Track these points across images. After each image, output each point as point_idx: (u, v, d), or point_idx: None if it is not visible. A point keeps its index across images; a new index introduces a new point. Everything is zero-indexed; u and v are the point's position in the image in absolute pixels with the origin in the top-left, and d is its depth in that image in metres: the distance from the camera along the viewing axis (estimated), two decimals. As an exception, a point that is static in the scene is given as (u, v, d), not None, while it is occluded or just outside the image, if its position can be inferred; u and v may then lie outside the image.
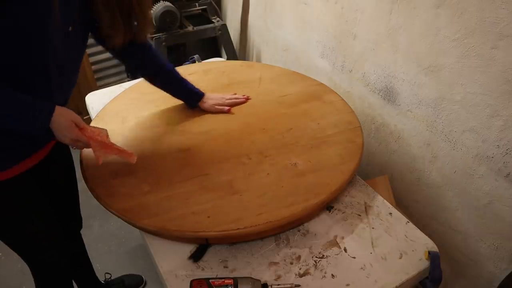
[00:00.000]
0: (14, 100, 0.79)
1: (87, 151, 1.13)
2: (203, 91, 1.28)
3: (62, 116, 0.86)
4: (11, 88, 0.78)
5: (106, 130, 0.97)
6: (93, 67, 2.65)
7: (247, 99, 1.33)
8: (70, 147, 0.97)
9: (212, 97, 1.29)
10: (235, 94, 1.34)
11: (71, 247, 1.36)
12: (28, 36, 0.75)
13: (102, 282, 1.60)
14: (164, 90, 1.25)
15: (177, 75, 1.22)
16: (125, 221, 0.94)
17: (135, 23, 0.95)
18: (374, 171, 1.61)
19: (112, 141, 0.97)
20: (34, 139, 0.96)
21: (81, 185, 1.10)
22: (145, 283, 1.70)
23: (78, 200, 1.31)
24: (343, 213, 1.03)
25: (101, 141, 0.94)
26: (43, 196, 1.07)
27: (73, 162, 1.23)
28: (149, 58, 1.15)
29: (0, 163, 0.90)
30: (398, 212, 1.05)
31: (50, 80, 0.85)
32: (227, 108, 1.27)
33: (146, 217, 0.92)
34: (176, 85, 1.24)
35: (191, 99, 1.28)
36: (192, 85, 1.26)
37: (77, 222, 1.35)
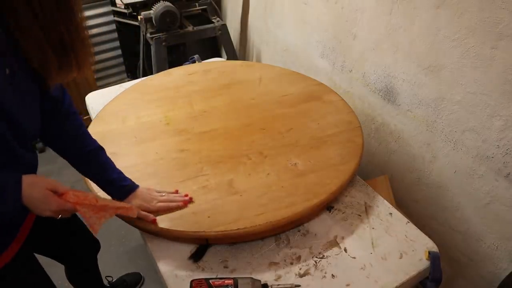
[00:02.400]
0: None
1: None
2: (137, 184, 0.97)
3: (33, 188, 0.71)
4: None
5: (93, 194, 0.83)
6: (93, 67, 2.65)
7: (186, 202, 0.97)
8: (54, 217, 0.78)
9: (140, 196, 0.95)
10: (176, 191, 1.00)
11: (89, 267, 1.33)
12: None
13: (107, 285, 1.61)
14: (83, 174, 0.97)
15: (101, 157, 0.95)
16: (125, 221, 0.94)
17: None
18: (374, 171, 1.61)
19: (104, 200, 0.82)
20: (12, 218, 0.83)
21: (81, 185, 1.10)
22: (144, 280, 1.71)
23: (84, 226, 1.20)
24: (343, 213, 1.03)
25: (91, 204, 0.78)
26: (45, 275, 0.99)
27: None
28: (72, 126, 0.90)
29: None
30: (398, 212, 1.05)
31: (2, 136, 0.70)
32: (151, 217, 0.92)
33: (146, 217, 0.92)
34: (101, 171, 0.94)
35: (116, 192, 0.95)
36: (120, 175, 0.95)
37: (95, 244, 1.29)
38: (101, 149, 0.95)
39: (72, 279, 1.34)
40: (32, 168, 0.83)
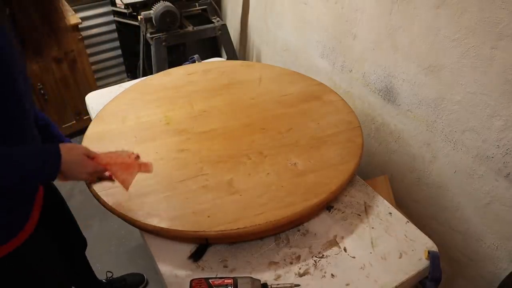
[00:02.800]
0: (12, 157, 0.71)
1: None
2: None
3: (70, 154, 0.78)
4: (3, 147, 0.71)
5: (127, 151, 0.91)
6: (93, 67, 2.66)
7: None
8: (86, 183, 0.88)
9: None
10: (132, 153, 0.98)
11: (77, 266, 1.35)
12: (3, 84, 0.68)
13: (104, 280, 1.60)
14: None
15: (54, 126, 1.03)
16: (125, 221, 0.94)
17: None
18: (374, 171, 1.61)
19: (134, 156, 0.91)
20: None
21: (81, 185, 1.10)
22: (147, 282, 1.70)
23: (75, 222, 1.27)
24: (343, 213, 1.03)
25: (122, 162, 0.86)
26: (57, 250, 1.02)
27: (58, 191, 1.18)
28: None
29: (16, 224, 0.83)
30: (398, 212, 1.05)
31: (25, 128, 0.78)
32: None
33: (146, 217, 0.92)
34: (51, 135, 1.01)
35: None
36: (58, 133, 1.04)
37: (82, 241, 1.33)
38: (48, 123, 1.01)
39: None
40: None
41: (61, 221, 1.19)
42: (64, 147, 0.77)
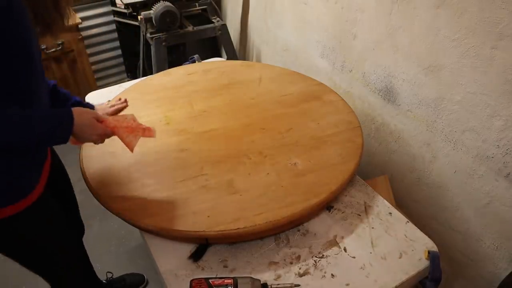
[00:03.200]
0: (31, 119, 0.76)
1: (86, 150, 1.13)
2: (92, 104, 1.22)
3: (82, 117, 0.85)
4: (17, 106, 0.76)
5: (132, 114, 0.97)
6: (93, 67, 2.66)
7: (125, 102, 1.33)
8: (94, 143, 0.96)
9: (99, 108, 1.26)
10: (119, 99, 1.33)
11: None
12: (18, 44, 0.74)
13: (104, 281, 1.60)
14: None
15: (62, 89, 1.13)
16: (125, 221, 0.94)
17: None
18: (374, 171, 1.61)
19: (138, 122, 0.98)
20: (41, 150, 0.93)
21: (81, 185, 1.10)
22: (147, 282, 1.70)
23: (77, 206, 1.30)
24: (343, 213, 1.03)
25: (127, 126, 0.94)
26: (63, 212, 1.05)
27: (65, 168, 1.21)
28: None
29: (26, 185, 0.87)
30: (398, 212, 1.05)
31: (39, 86, 0.84)
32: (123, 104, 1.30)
33: (146, 217, 0.92)
34: (65, 100, 1.12)
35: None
36: (79, 98, 1.17)
37: (80, 229, 1.34)
38: (57, 84, 1.10)
39: None
40: None
41: (64, 195, 1.21)
42: (76, 111, 0.84)
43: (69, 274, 1.12)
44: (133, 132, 0.95)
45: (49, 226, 0.98)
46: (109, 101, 1.34)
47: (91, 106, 1.21)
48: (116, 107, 1.29)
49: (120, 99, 1.33)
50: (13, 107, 0.75)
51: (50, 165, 1.01)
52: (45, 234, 0.97)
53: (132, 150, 0.95)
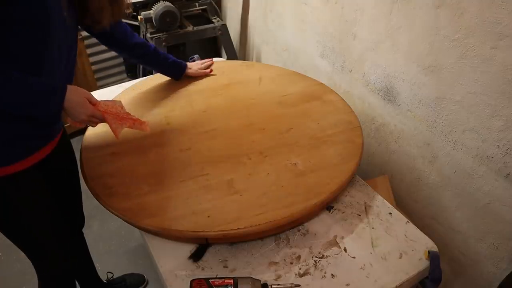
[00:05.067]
0: (26, 85, 0.80)
1: (87, 150, 1.13)
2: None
3: (74, 94, 0.88)
4: (18, 72, 0.79)
5: (120, 101, 1.00)
6: (93, 67, 2.66)
7: (211, 60, 1.55)
8: (85, 125, 1.00)
9: (192, 64, 1.47)
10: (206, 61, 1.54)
11: (74, 245, 1.35)
12: (35, 20, 0.78)
13: (104, 281, 1.60)
14: (151, 67, 1.38)
15: (159, 50, 1.31)
16: (125, 221, 0.94)
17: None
18: (374, 171, 1.61)
19: (127, 112, 1.00)
20: (44, 131, 0.96)
21: (81, 185, 1.10)
22: (147, 282, 1.70)
23: (81, 197, 1.30)
24: (343, 213, 1.03)
25: (116, 113, 0.97)
26: (50, 193, 1.06)
27: (75, 158, 1.21)
28: (131, 36, 1.21)
29: (10, 155, 0.89)
30: (398, 212, 1.05)
31: (53, 64, 0.87)
32: (208, 70, 1.49)
33: (146, 217, 0.92)
34: (163, 59, 1.34)
35: (178, 70, 1.42)
36: (174, 57, 1.37)
37: (80, 219, 1.34)
38: (156, 47, 1.30)
39: None
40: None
41: (67, 184, 1.22)
42: (71, 87, 0.87)
43: (50, 257, 1.11)
44: (121, 121, 0.98)
45: (36, 198, 1.00)
46: (196, 62, 1.52)
47: (185, 65, 1.42)
48: (206, 63, 1.50)
49: (207, 60, 1.54)
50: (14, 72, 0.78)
51: (55, 150, 1.03)
52: (31, 204, 0.99)
53: (117, 137, 0.98)
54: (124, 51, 1.24)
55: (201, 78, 1.49)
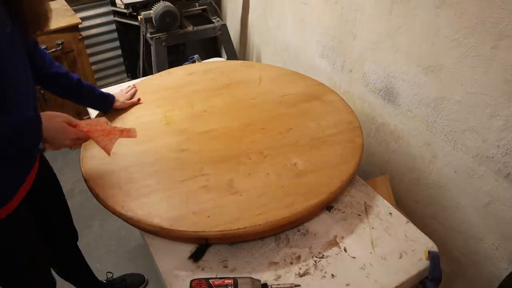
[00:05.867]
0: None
1: (87, 151, 1.13)
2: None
3: (51, 121, 0.82)
4: None
5: (104, 118, 0.97)
6: (93, 67, 2.66)
7: (134, 86, 1.41)
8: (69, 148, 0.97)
9: (119, 96, 1.31)
10: (128, 86, 1.41)
11: (70, 259, 1.35)
12: None
13: (104, 281, 1.60)
14: (74, 100, 1.18)
15: (83, 81, 1.15)
16: (125, 221, 0.94)
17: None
18: (374, 171, 1.61)
19: (113, 126, 0.98)
20: (23, 161, 0.91)
21: (81, 185, 1.10)
22: (147, 282, 1.70)
23: (70, 215, 1.28)
24: (343, 213, 1.03)
25: (102, 129, 0.93)
26: (36, 231, 1.04)
27: (57, 179, 1.20)
28: (50, 64, 1.07)
29: (1, 197, 0.85)
30: (398, 212, 1.05)
31: (16, 96, 0.80)
32: (136, 99, 1.33)
33: (146, 217, 0.92)
34: (88, 92, 1.17)
35: (105, 104, 1.26)
36: (100, 90, 1.23)
37: (73, 234, 1.33)
38: (80, 78, 1.15)
39: (60, 272, 1.35)
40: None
41: (51, 206, 1.19)
42: (45, 115, 0.81)
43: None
44: (109, 136, 0.95)
45: (21, 240, 0.96)
46: (121, 90, 1.38)
47: (113, 97, 1.26)
48: (130, 92, 1.36)
49: (129, 86, 1.39)
50: None
51: (35, 176, 0.99)
52: (16, 246, 0.95)
53: (109, 153, 0.96)
54: (43, 81, 1.06)
55: (200, 79, 1.49)
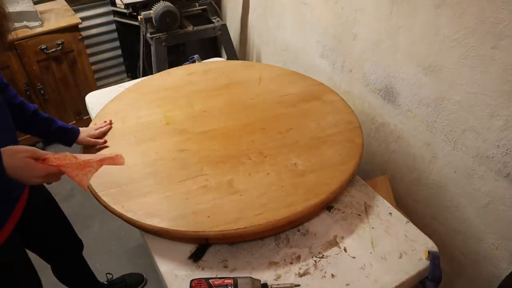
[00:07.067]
0: None
1: (86, 150, 1.13)
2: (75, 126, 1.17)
3: (13, 158, 0.73)
4: None
5: (68, 153, 0.83)
6: (93, 67, 2.66)
7: (110, 123, 1.24)
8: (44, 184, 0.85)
9: (85, 129, 1.18)
10: (105, 121, 1.24)
11: (74, 269, 1.36)
12: None
13: (105, 282, 1.61)
14: (30, 133, 1.09)
15: (40, 113, 1.07)
16: (125, 221, 0.94)
17: None
18: (374, 171, 1.61)
19: (86, 156, 0.85)
20: (9, 192, 0.87)
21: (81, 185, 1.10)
22: (146, 281, 1.71)
23: (69, 226, 1.29)
24: (343, 213, 1.03)
25: (76, 163, 0.81)
26: (29, 261, 1.04)
27: (51, 194, 1.20)
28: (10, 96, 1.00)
29: None
30: (398, 212, 1.05)
31: None
32: (101, 140, 1.17)
33: (146, 217, 0.92)
34: (46, 124, 1.08)
35: (66, 137, 1.14)
36: (62, 122, 1.13)
37: (77, 243, 1.34)
38: (37, 109, 1.07)
39: (60, 277, 1.35)
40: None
41: (48, 222, 1.19)
42: (6, 152, 0.73)
43: None
44: (85, 169, 0.82)
45: (9, 271, 0.95)
46: (95, 123, 1.25)
47: (76, 130, 1.14)
48: (100, 129, 1.19)
49: (105, 121, 1.24)
50: None
51: (24, 203, 0.97)
52: (7, 276, 0.94)
53: (85, 189, 0.83)
54: None
55: (200, 79, 1.49)
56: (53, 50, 2.15)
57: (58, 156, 0.80)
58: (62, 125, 1.12)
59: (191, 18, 2.30)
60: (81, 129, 1.17)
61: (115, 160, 0.88)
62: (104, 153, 1.13)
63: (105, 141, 1.17)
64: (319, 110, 1.29)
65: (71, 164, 0.80)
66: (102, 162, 0.85)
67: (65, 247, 1.28)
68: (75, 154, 0.83)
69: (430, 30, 1.15)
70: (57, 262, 1.29)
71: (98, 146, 1.15)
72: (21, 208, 0.97)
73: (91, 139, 1.16)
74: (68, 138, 1.14)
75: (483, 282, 1.25)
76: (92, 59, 2.67)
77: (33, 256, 1.11)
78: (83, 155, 0.85)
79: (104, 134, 1.20)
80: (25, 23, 2.08)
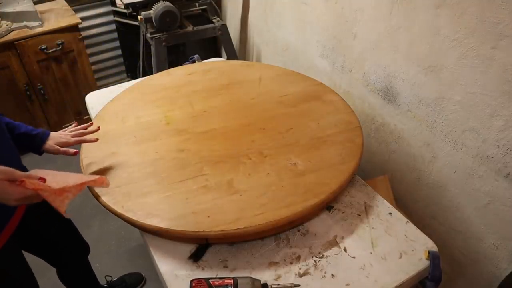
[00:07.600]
0: None
1: (87, 151, 1.13)
2: (48, 130, 1.04)
3: None
4: None
5: (44, 170, 0.79)
6: (93, 67, 2.66)
7: (85, 128, 1.10)
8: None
9: (53, 136, 1.03)
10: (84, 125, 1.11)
11: (79, 272, 1.35)
12: None
13: (105, 285, 1.61)
14: None
15: (6, 119, 0.98)
16: (125, 221, 0.94)
17: None
18: (374, 171, 1.61)
19: (64, 176, 0.80)
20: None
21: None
22: (145, 281, 1.71)
23: (74, 229, 1.28)
24: (343, 213, 1.03)
25: (51, 188, 0.76)
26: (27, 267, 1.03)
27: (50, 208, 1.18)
28: None
29: None
30: (398, 212, 1.05)
31: None
32: (73, 150, 1.02)
33: (146, 217, 0.92)
34: (8, 131, 0.96)
35: (29, 144, 1.01)
36: (30, 127, 1.01)
37: (83, 246, 1.33)
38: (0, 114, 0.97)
39: (64, 281, 1.35)
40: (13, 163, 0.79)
41: (54, 230, 1.18)
42: None
43: None
44: (62, 195, 0.77)
45: (6, 277, 0.94)
46: (74, 125, 1.11)
47: (43, 136, 1.01)
48: (78, 138, 1.04)
49: (87, 124, 1.09)
50: None
51: (23, 212, 0.96)
52: (6, 280, 0.93)
53: (63, 214, 0.78)
54: None
55: (200, 79, 1.49)
56: (53, 50, 2.16)
57: (32, 181, 0.74)
58: (26, 131, 0.99)
59: (191, 18, 2.30)
60: (51, 134, 1.03)
61: (97, 183, 0.84)
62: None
63: (77, 152, 1.02)
64: (319, 110, 1.29)
65: (49, 189, 0.75)
66: (81, 186, 0.81)
67: (72, 251, 1.27)
68: (51, 173, 0.77)
69: (430, 30, 1.15)
70: (64, 266, 1.29)
71: (69, 155, 1.01)
72: (19, 216, 0.95)
73: (60, 148, 1.01)
74: (35, 145, 1.00)
75: (483, 282, 1.25)
76: (92, 59, 2.67)
77: (33, 259, 1.11)
78: (61, 174, 0.79)
79: (80, 141, 1.05)
80: (25, 23, 2.08)
